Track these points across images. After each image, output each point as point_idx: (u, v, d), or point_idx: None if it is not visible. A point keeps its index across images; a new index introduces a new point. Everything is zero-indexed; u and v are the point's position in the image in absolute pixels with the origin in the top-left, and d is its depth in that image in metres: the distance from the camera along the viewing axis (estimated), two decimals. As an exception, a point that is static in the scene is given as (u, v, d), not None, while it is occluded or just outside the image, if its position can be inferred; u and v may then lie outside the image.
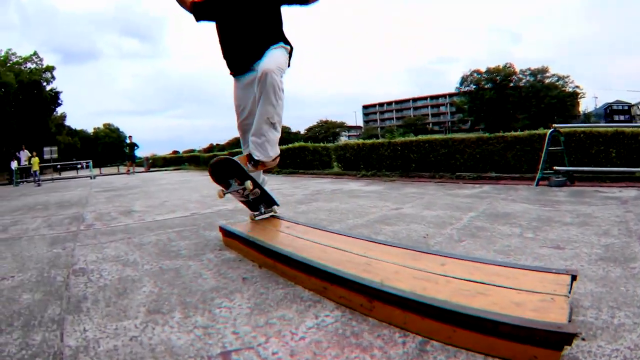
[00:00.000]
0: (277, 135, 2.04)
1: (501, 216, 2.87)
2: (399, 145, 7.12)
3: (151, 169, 20.97)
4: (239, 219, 3.34)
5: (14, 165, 16.08)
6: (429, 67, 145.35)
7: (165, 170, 20.80)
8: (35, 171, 14.37)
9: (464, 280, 1.21)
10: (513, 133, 5.93)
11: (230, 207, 4.12)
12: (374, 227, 2.70)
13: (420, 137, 7.21)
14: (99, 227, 3.44)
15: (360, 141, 8.27)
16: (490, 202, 3.58)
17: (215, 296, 1.54)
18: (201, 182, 9.47)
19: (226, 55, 2.18)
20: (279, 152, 2.12)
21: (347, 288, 1.29)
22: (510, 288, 1.12)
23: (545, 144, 4.82)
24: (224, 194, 2.05)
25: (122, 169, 22.66)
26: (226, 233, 2.25)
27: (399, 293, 1.13)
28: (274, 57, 1.96)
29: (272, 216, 2.46)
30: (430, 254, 1.54)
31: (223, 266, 1.95)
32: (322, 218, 3.18)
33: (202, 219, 3.55)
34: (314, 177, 8.42)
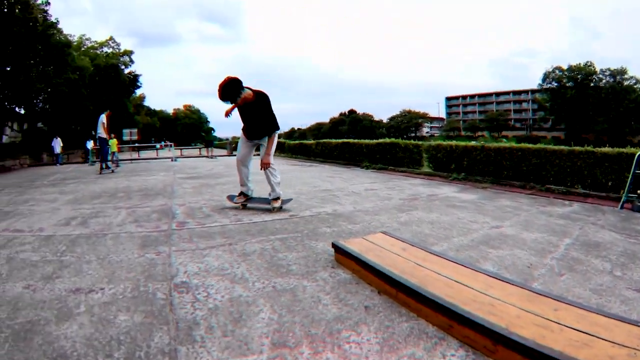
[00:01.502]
0: (278, 179, 4.15)
1: (593, 246, 2.87)
2: (492, 150, 7.01)
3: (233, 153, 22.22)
4: (343, 227, 3.39)
5: (89, 144, 17.60)
6: (512, 59, 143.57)
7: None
8: (113, 152, 14.16)
9: (573, 329, 1.33)
10: (602, 149, 5.53)
11: (329, 211, 4.16)
12: (480, 249, 2.77)
13: (513, 144, 7.03)
14: (193, 227, 3.38)
15: (453, 143, 8.16)
16: (582, 227, 3.54)
17: (341, 328, 1.51)
18: (291, 172, 9.45)
19: (245, 131, 4.19)
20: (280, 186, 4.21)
21: (473, 329, 1.40)
22: (607, 340, 1.24)
23: (633, 166, 4.65)
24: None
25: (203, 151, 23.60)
26: (340, 251, 2.34)
27: (522, 341, 1.25)
28: (270, 145, 4.04)
29: (384, 233, 2.68)
30: (544, 296, 1.64)
31: (341, 289, 1.94)
32: (426, 233, 3.26)
33: (303, 224, 3.52)
34: (405, 175, 8.40)
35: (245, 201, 4.33)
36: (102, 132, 10.55)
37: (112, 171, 10.90)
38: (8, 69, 20.37)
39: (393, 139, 10.64)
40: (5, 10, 18.33)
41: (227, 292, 1.85)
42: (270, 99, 3.96)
